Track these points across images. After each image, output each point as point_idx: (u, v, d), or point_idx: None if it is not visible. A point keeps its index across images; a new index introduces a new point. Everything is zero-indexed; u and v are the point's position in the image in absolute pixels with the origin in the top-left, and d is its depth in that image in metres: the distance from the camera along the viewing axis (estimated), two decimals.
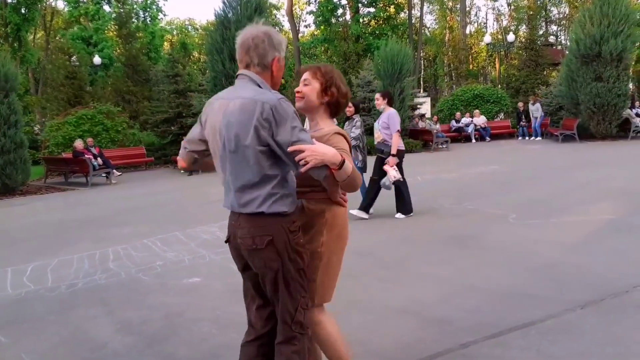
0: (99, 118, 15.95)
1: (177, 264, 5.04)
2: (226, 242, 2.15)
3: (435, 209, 6.95)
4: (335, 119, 2.38)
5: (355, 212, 6.50)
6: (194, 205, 8.69)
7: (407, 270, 4.48)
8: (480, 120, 18.52)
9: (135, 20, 32.92)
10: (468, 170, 10.77)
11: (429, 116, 19.59)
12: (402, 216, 6.52)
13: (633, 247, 4.66)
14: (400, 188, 6.49)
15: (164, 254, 5.48)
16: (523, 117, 17.97)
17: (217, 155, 2.01)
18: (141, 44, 26.17)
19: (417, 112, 17.61)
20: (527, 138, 17.75)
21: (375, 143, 6.57)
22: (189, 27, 50.88)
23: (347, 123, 6.86)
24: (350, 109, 6.68)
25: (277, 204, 1.92)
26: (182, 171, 14.25)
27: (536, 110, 17.25)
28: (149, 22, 36.48)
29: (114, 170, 13.37)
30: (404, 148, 6.53)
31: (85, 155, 12.57)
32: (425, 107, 20.17)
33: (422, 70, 35.94)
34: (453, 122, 18.69)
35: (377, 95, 6.55)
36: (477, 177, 9.72)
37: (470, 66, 33.17)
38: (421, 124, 16.94)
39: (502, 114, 19.66)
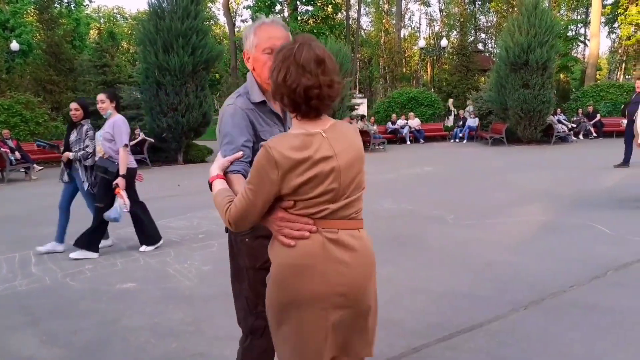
0: (17, 108, 14.77)
1: (109, 268, 4.69)
2: None
3: (376, 209, 6.97)
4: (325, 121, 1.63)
5: (77, 254, 4.98)
6: None
7: None
8: (415, 122, 19.03)
9: (58, 6, 30.96)
10: (405, 171, 10.98)
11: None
12: (149, 248, 5.23)
13: (563, 246, 4.87)
14: (138, 215, 5.22)
15: (93, 256, 5.09)
16: (462, 122, 19.08)
17: None
18: (64, 31, 24.62)
19: (354, 112, 17.79)
20: (457, 141, 18.55)
21: (97, 159, 5.11)
22: (118, 15, 48.65)
23: (72, 132, 5.29)
24: (77, 112, 5.21)
25: None
26: None
27: (473, 123, 18.49)
28: (73, 8, 34.47)
29: (34, 165, 12.42)
30: (135, 165, 5.25)
31: (1, 149, 11.57)
32: (362, 108, 20.46)
33: (358, 72, 36.44)
34: (389, 124, 19.06)
35: (102, 96, 5.06)
36: (413, 178, 9.92)
37: (404, 69, 34.04)
38: (360, 124, 17.14)
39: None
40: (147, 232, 5.29)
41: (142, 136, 13.46)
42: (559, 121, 16.65)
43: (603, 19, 30.18)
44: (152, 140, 13.57)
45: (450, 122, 20.76)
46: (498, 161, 12.36)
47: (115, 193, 4.86)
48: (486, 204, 7.08)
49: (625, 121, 9.95)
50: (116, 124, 4.95)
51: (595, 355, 2.78)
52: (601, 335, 2.99)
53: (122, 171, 4.87)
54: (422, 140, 18.76)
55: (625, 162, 9.85)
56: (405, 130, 18.68)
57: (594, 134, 17.53)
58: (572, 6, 37.98)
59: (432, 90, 25.52)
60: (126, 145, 4.95)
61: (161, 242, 5.35)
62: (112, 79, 16.49)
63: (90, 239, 5.00)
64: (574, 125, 17.47)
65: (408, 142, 18.63)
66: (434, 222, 6.06)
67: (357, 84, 35.51)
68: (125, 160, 4.90)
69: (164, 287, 4.10)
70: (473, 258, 4.60)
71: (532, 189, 8.07)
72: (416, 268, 4.40)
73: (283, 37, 1.87)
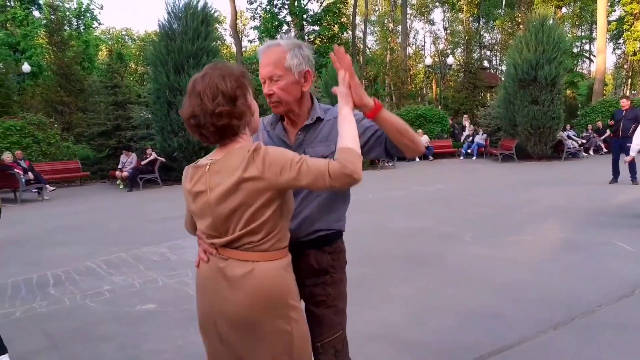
0: (29, 129, 14.91)
1: (127, 289, 4.66)
2: None
3: (390, 227, 6.92)
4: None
5: None
6: (137, 224, 8.20)
7: (372, 292, 4.35)
8: (424, 139, 19.03)
9: (68, 28, 31.45)
10: (416, 188, 10.93)
11: None
12: None
13: (585, 264, 4.80)
14: None
15: (110, 277, 5.06)
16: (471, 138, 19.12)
17: None
18: (74, 53, 24.95)
19: None
20: (463, 158, 18.57)
21: None
22: (126, 37, 49.30)
23: None
24: None
25: None
26: (121, 186, 13.57)
27: (481, 140, 18.52)
28: (82, 30, 35.00)
29: (47, 186, 12.46)
30: None
31: (14, 169, 11.64)
32: None
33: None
34: None
35: None
36: (425, 195, 9.86)
37: (410, 87, 34.19)
38: None
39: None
40: None
41: (153, 155, 13.51)
42: (569, 137, 16.61)
43: (608, 35, 30.31)
44: (164, 159, 13.61)
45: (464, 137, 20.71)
46: (510, 178, 12.30)
47: None
48: (502, 221, 7.01)
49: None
50: None
51: None
52: (636, 356, 2.92)
53: None
54: (431, 157, 18.74)
55: (635, 178, 9.82)
56: None
57: (604, 150, 17.44)
58: (577, 23, 38.20)
59: (439, 107, 25.59)
60: None
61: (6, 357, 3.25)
62: (122, 99, 16.64)
63: None
64: (584, 141, 17.40)
65: (417, 159, 18.60)
66: (451, 240, 6.00)
67: None
68: None
69: (184, 309, 4.05)
70: (495, 277, 4.54)
71: (548, 206, 8.00)
72: (438, 288, 4.34)
73: (270, 63, 1.78)
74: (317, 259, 1.88)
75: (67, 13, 33.10)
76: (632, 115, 10.04)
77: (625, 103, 10.30)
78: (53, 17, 24.19)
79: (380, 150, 1.86)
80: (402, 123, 1.74)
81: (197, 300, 1.72)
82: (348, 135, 1.57)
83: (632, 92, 37.09)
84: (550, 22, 15.80)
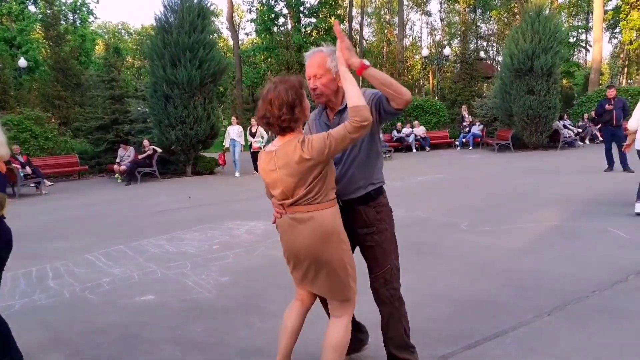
0: (27, 124, 14.88)
1: (126, 281, 4.69)
2: None
3: None
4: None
5: None
6: (136, 217, 8.22)
7: None
8: (420, 130, 19.05)
9: (64, 22, 31.29)
10: (413, 179, 10.96)
11: None
12: None
13: (581, 251, 4.85)
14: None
15: (109, 269, 5.09)
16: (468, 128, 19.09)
17: None
18: (71, 48, 24.86)
19: None
20: (459, 148, 18.61)
21: None
22: (123, 31, 49.12)
23: None
24: None
25: None
26: (119, 180, 13.57)
27: (478, 130, 18.56)
28: (79, 24, 34.86)
29: (45, 180, 12.46)
30: None
31: (12, 164, 11.60)
32: None
33: (361, 82, 36.50)
34: (395, 132, 19.08)
35: None
36: (423, 186, 9.90)
37: (407, 78, 34.12)
38: None
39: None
40: None
41: (152, 149, 13.48)
42: (565, 126, 16.63)
43: (604, 25, 30.26)
44: (160, 150, 13.56)
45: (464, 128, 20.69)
46: (506, 167, 12.34)
47: None
48: (499, 210, 7.05)
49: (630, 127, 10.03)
50: None
51: None
52: (630, 341, 2.97)
53: None
54: (428, 148, 18.77)
55: (626, 166, 9.88)
56: (411, 138, 18.70)
57: (600, 139, 17.48)
58: (573, 12, 38.12)
59: (436, 98, 25.57)
60: None
61: None
62: (119, 93, 16.59)
63: None
64: (580, 130, 17.43)
65: (414, 150, 18.65)
66: (449, 230, 6.04)
67: None
68: None
69: (183, 299, 4.09)
70: (492, 264, 4.58)
71: (544, 194, 8.04)
72: (435, 275, 4.38)
73: (315, 65, 2.35)
74: (366, 213, 2.48)
75: (63, 7, 32.92)
76: (620, 104, 10.28)
77: (613, 92, 10.40)
78: (49, 11, 24.09)
79: (377, 114, 2.39)
80: (386, 78, 2.26)
81: (282, 245, 2.42)
82: (350, 93, 2.15)
83: (629, 81, 37.11)
84: (547, 12, 15.78)
